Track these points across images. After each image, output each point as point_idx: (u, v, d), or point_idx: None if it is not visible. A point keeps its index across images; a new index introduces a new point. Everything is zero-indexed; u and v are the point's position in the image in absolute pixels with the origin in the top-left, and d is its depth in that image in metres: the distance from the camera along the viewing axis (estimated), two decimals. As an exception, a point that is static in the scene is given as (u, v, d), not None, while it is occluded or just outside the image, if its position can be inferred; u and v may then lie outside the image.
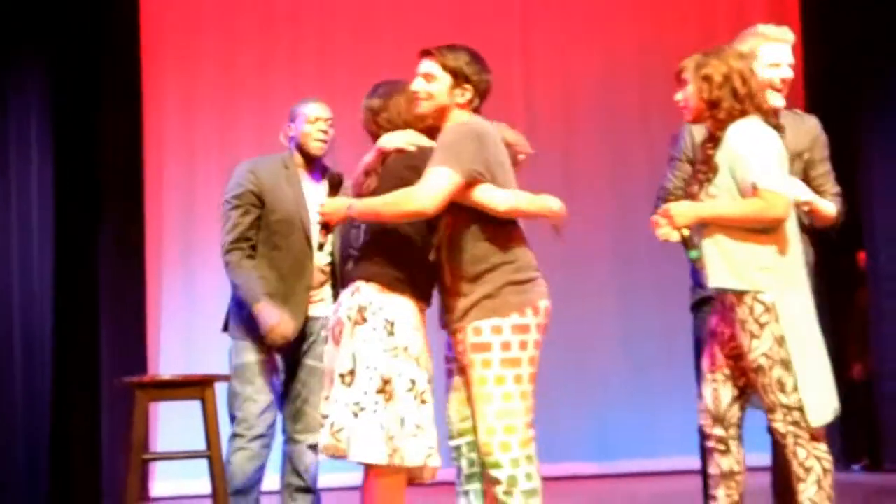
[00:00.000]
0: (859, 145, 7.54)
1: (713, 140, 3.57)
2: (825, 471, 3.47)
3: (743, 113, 3.53)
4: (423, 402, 3.26)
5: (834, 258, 7.52)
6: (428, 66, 3.41)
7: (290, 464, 4.19)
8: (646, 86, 7.86)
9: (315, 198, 4.14)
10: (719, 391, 3.61)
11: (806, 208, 3.81)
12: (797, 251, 3.56)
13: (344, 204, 3.40)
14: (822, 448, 3.50)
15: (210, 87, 8.11)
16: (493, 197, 3.29)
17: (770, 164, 3.47)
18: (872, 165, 7.50)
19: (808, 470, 3.46)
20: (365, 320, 3.27)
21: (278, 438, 4.21)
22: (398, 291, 3.31)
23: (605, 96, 8.14)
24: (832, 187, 3.99)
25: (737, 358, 3.57)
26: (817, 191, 3.94)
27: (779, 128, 3.85)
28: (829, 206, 3.92)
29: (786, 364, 3.44)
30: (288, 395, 4.20)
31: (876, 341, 7.55)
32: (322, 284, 4.19)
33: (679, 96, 3.68)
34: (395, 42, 7.74)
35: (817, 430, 3.49)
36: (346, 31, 8.21)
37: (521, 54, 8.34)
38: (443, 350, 3.50)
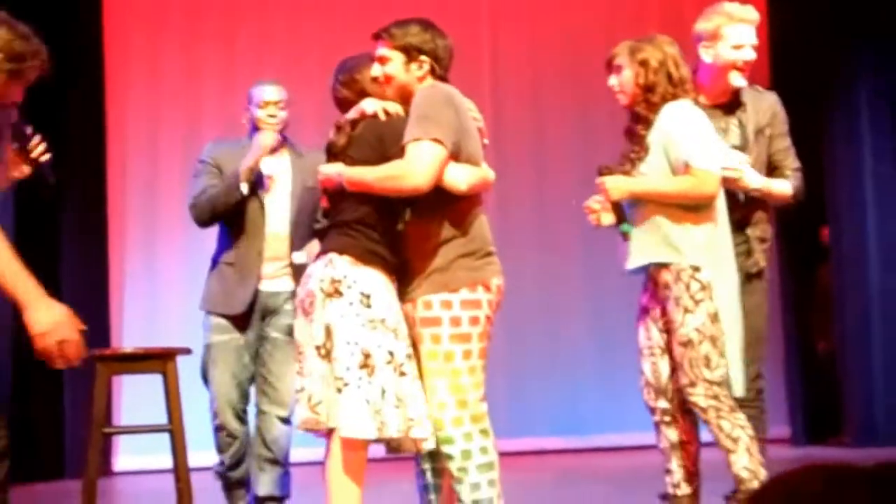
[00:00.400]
0: (824, 122, 7.57)
1: (645, 122, 3.65)
2: (751, 438, 3.56)
3: (675, 97, 3.64)
4: (402, 374, 3.24)
5: (796, 234, 7.60)
6: (380, 48, 3.40)
7: (259, 435, 4.32)
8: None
9: (275, 171, 4.34)
10: (658, 364, 3.70)
11: (756, 194, 3.86)
12: (726, 231, 3.67)
13: (335, 171, 3.35)
14: (742, 417, 3.59)
15: (174, 68, 8.08)
16: (455, 178, 3.27)
17: (701, 144, 3.58)
18: (836, 142, 7.54)
19: (735, 440, 3.54)
20: (340, 294, 3.24)
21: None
22: (371, 264, 3.29)
23: (573, 68, 8.12)
24: (792, 163, 4.03)
25: (669, 333, 3.64)
26: (777, 165, 3.98)
27: (739, 105, 3.91)
28: (783, 187, 3.97)
29: (714, 340, 3.54)
30: (256, 369, 4.34)
31: (839, 317, 7.61)
32: (282, 258, 4.30)
33: (613, 82, 3.73)
34: (362, 22, 7.70)
35: (734, 402, 3.58)
36: (313, 14, 8.16)
37: (489, 32, 8.31)
38: None
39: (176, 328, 7.44)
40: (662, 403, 3.71)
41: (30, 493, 6.49)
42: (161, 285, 7.86)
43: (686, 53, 3.84)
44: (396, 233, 3.35)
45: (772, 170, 4.01)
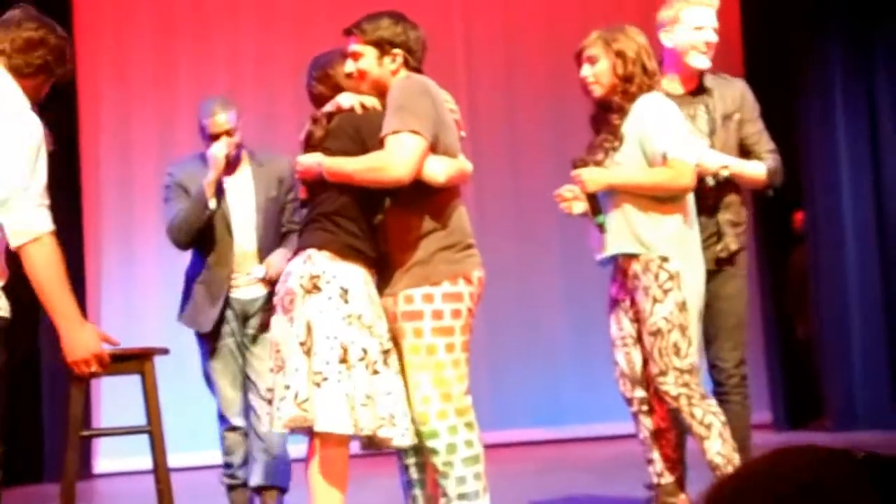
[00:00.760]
0: (798, 106, 7.60)
1: (621, 112, 3.65)
2: (723, 424, 3.57)
3: (651, 88, 3.66)
4: (374, 372, 3.21)
5: (772, 219, 7.62)
6: (352, 44, 3.39)
7: (252, 429, 4.43)
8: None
9: (237, 187, 4.44)
10: (631, 354, 3.71)
11: (725, 173, 3.85)
12: (695, 222, 3.70)
13: (315, 161, 3.32)
14: (714, 403, 3.62)
15: (146, 67, 8.04)
16: (433, 170, 3.25)
17: (678, 136, 3.61)
18: (811, 126, 7.56)
19: (708, 427, 3.56)
20: (319, 289, 3.21)
21: None
22: (350, 259, 3.27)
23: (547, 59, 8.11)
24: (766, 145, 4.02)
25: (640, 322, 3.66)
26: (751, 149, 3.97)
27: (705, 90, 3.91)
28: (755, 168, 3.95)
29: (683, 329, 3.57)
30: (245, 368, 4.49)
31: (817, 302, 7.64)
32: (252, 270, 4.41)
33: (587, 72, 3.70)
34: (334, 17, 7.67)
35: (704, 389, 3.62)
36: (284, 12, 8.12)
37: (463, 23, 8.28)
38: None
39: (153, 328, 7.40)
40: (639, 393, 3.71)
41: (9, 497, 6.43)
42: (138, 285, 7.81)
43: (655, 47, 3.84)
44: (376, 226, 3.32)
45: (746, 155, 4.00)
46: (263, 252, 4.37)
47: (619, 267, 3.72)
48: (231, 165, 4.43)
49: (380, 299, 3.34)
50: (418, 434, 3.30)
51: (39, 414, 7.21)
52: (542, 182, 7.58)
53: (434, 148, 3.27)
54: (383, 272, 3.34)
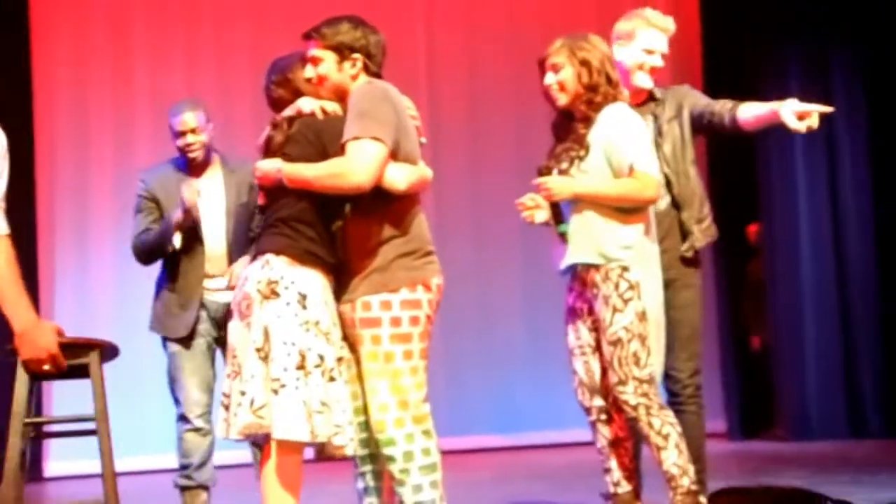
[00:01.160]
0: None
1: (587, 121, 3.66)
2: (680, 435, 3.61)
3: (615, 98, 3.67)
4: (330, 379, 3.19)
5: (726, 231, 7.69)
6: (311, 49, 3.36)
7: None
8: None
9: (208, 192, 4.45)
10: (590, 363, 3.72)
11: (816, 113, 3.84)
12: (654, 233, 3.72)
13: (274, 167, 3.28)
14: (671, 414, 3.63)
15: (102, 66, 7.99)
16: (394, 177, 3.23)
17: (644, 148, 3.63)
18: (768, 137, 7.63)
19: (666, 437, 3.58)
20: (277, 294, 3.18)
21: None
22: (308, 264, 3.24)
23: (509, 66, 8.11)
24: (726, 102, 4.05)
25: (598, 331, 3.66)
26: (715, 111, 4.02)
27: (654, 100, 3.97)
28: (759, 107, 3.99)
29: (642, 339, 3.58)
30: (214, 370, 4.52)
31: (772, 311, 7.70)
32: (223, 274, 4.39)
33: (550, 80, 3.70)
34: (293, 21, 7.65)
35: (662, 400, 3.65)
36: (243, 14, 8.08)
37: (424, 29, 8.28)
38: None
39: (106, 328, 7.31)
40: (598, 402, 3.71)
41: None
42: (92, 287, 7.73)
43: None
44: (334, 232, 3.30)
45: (711, 125, 4.01)
46: (233, 257, 4.35)
47: (578, 276, 3.71)
48: (200, 167, 4.49)
49: (337, 306, 3.31)
50: (375, 442, 3.27)
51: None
52: (502, 189, 7.58)
53: (395, 155, 3.25)
54: (342, 278, 3.32)
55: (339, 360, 3.24)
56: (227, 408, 3.23)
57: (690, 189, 3.99)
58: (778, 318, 7.64)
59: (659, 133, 3.98)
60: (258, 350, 3.16)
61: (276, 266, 3.22)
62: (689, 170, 4.00)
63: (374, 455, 3.34)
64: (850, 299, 7.46)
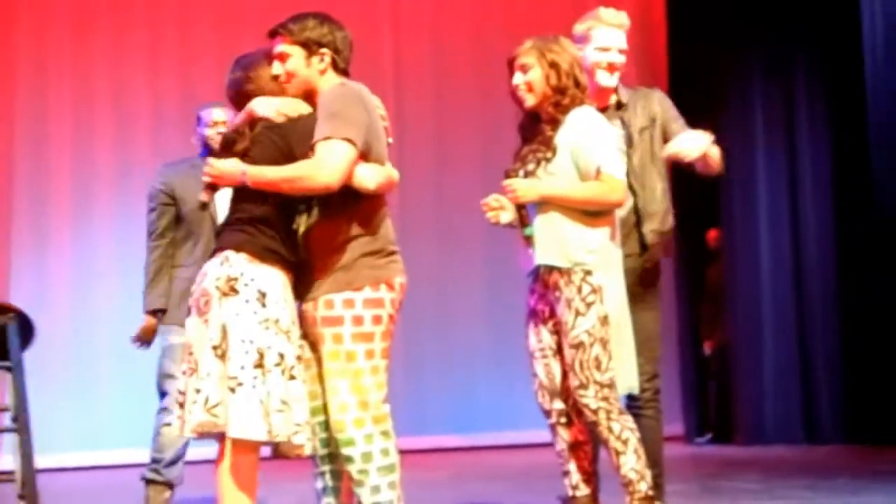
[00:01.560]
0: (719, 125, 7.70)
1: (554, 123, 3.66)
2: (639, 440, 3.62)
3: (582, 102, 3.67)
4: (291, 377, 3.16)
5: (686, 236, 7.75)
6: (279, 45, 3.34)
7: None
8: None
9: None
10: (551, 366, 3.71)
11: (714, 151, 3.89)
12: (619, 237, 3.73)
13: (238, 169, 3.23)
14: (630, 419, 3.64)
15: (63, 64, 7.96)
16: (364, 177, 3.22)
17: (611, 151, 3.63)
18: (731, 145, 7.68)
19: (625, 442, 3.59)
20: (236, 291, 3.15)
21: None
22: (268, 262, 3.21)
23: (475, 66, 8.13)
24: None
25: (560, 334, 3.66)
26: None
27: (620, 105, 3.97)
28: (716, 152, 4.00)
29: (604, 343, 3.58)
30: None
31: (731, 318, 7.75)
32: None
33: (519, 80, 3.70)
34: (257, 20, 7.65)
35: (621, 405, 3.64)
36: (207, 17, 8.04)
37: (391, 29, 8.26)
38: None
39: (62, 329, 7.27)
40: (558, 405, 3.71)
41: None
42: (49, 279, 7.66)
43: None
44: (295, 231, 3.27)
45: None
46: None
47: (540, 278, 3.71)
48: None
49: (299, 304, 3.29)
50: (335, 442, 3.25)
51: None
52: (466, 190, 7.60)
53: (366, 156, 3.24)
54: (304, 277, 3.29)
55: (299, 358, 3.22)
56: (181, 405, 3.20)
57: (656, 204, 3.99)
58: (736, 323, 7.70)
59: (629, 142, 3.97)
60: (215, 348, 3.14)
61: (235, 263, 3.19)
62: (656, 185, 4.00)
63: (334, 455, 3.32)
64: (808, 305, 7.52)
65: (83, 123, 7.85)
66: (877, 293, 7.08)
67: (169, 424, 4.31)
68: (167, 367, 4.52)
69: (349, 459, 3.22)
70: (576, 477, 3.73)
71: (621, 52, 4.02)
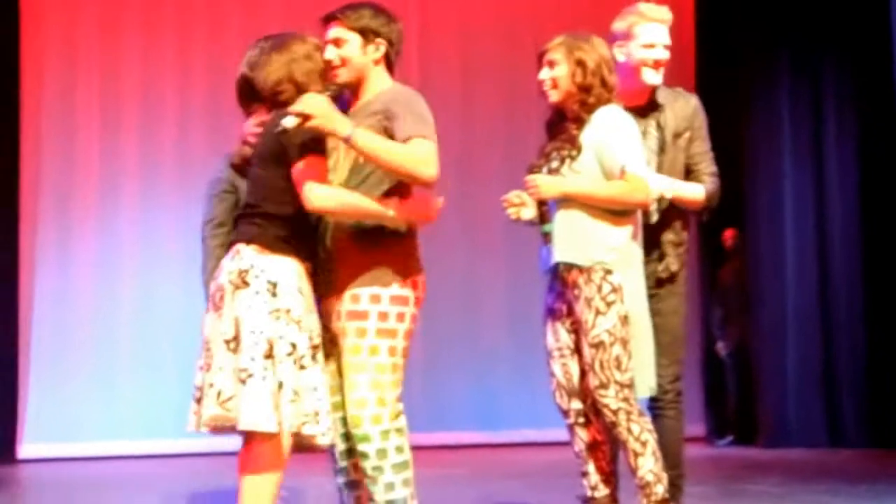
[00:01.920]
0: (746, 126, 7.68)
1: (579, 121, 3.64)
2: (657, 441, 3.60)
3: (609, 101, 3.64)
4: (301, 367, 3.15)
5: (705, 237, 7.71)
6: (334, 30, 3.32)
7: None
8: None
9: None
10: (569, 365, 3.69)
11: (668, 196, 3.82)
12: (641, 237, 3.69)
13: (345, 124, 3.14)
14: (648, 421, 3.62)
15: (91, 54, 7.97)
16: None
17: (637, 151, 3.59)
18: (758, 145, 7.65)
19: (644, 443, 3.56)
20: (247, 284, 3.15)
21: None
22: (280, 251, 3.20)
23: (501, 62, 8.12)
24: (708, 167, 3.99)
25: (578, 333, 3.64)
26: (693, 169, 3.95)
27: (657, 107, 3.90)
28: (695, 191, 3.92)
29: (624, 343, 3.56)
30: None
31: (755, 320, 7.71)
32: None
33: (545, 75, 3.68)
34: (288, 19, 7.67)
35: (641, 406, 3.62)
36: (237, 15, 8.07)
37: (418, 27, 8.26)
38: None
39: (88, 315, 7.31)
40: (576, 404, 3.68)
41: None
42: (73, 271, 7.71)
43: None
44: (313, 225, 3.27)
45: (688, 173, 3.97)
46: None
47: (559, 276, 3.69)
48: None
49: (323, 296, 3.28)
50: (350, 436, 3.25)
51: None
52: (489, 189, 7.56)
53: None
54: (328, 271, 3.29)
55: (315, 347, 3.19)
56: (198, 401, 3.20)
57: (677, 211, 3.95)
58: (760, 326, 7.65)
59: (662, 147, 3.92)
60: (227, 342, 3.14)
61: (245, 255, 3.19)
62: None
63: (352, 448, 3.30)
64: (832, 309, 7.47)
65: (110, 120, 7.90)
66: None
67: None
68: None
69: (364, 456, 3.21)
70: (595, 478, 3.71)
71: (666, 47, 3.93)
